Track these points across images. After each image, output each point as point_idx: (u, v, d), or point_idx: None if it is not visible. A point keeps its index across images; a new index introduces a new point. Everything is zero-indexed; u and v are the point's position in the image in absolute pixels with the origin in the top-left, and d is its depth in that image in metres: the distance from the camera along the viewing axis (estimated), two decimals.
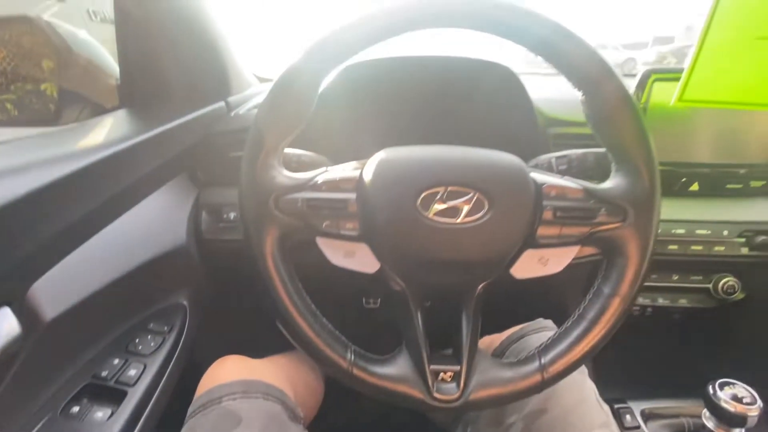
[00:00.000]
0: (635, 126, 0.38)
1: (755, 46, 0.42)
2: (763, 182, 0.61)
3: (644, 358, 0.74)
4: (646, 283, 0.62)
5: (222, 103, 0.68)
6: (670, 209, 0.60)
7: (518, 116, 0.64)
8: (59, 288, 0.43)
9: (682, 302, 0.63)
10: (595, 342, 0.38)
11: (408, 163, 0.38)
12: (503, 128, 0.65)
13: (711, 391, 0.50)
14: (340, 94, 0.64)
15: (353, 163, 0.41)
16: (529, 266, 0.39)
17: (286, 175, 0.38)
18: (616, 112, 0.38)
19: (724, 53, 0.43)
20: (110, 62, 0.64)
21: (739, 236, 0.59)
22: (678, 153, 0.61)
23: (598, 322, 0.38)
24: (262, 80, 0.90)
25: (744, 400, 0.49)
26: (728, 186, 0.61)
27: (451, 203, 0.36)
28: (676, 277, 0.62)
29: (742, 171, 0.61)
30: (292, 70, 0.37)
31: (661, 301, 0.63)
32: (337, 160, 0.47)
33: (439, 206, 0.36)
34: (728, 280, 0.61)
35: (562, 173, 0.50)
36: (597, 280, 0.40)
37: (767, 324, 0.61)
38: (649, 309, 0.64)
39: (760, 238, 0.58)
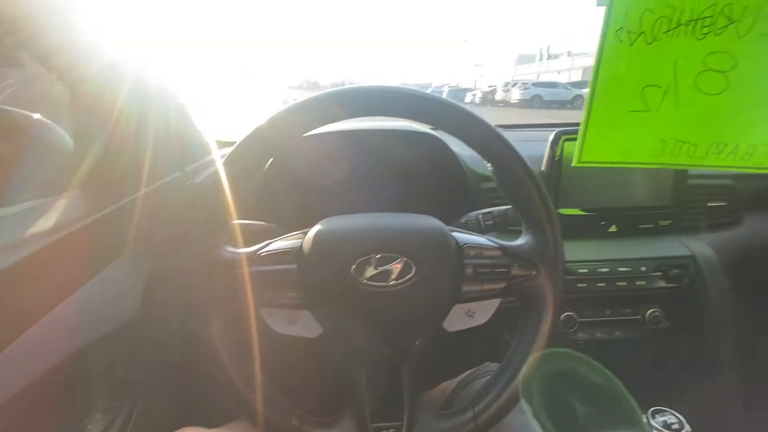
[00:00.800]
0: (535, 192, 0.44)
1: (630, 118, 0.50)
2: (670, 221, 0.69)
3: None
4: (584, 320, 0.68)
5: (179, 173, 0.71)
6: (594, 250, 0.67)
7: (448, 178, 0.71)
8: (3, 374, 0.43)
9: (618, 334, 0.68)
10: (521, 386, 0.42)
11: (342, 234, 0.42)
12: (436, 191, 0.71)
13: (644, 419, 0.54)
14: (289, 165, 0.69)
15: (295, 234, 0.45)
16: (459, 319, 0.44)
17: (230, 251, 0.41)
18: (518, 181, 0.44)
19: (608, 123, 0.51)
20: (67, 141, 0.66)
21: (656, 270, 0.66)
22: (598, 200, 0.69)
23: (522, 367, 0.42)
24: (222, 144, 0.94)
25: (673, 427, 0.53)
26: (641, 226, 0.69)
27: (382, 268, 0.40)
28: (609, 312, 0.68)
29: (652, 212, 0.69)
30: (235, 155, 0.41)
31: (598, 335, 0.68)
32: (288, 225, 0.51)
33: (371, 271, 0.40)
34: (654, 311, 0.67)
35: (489, 228, 0.56)
36: (518, 328, 0.44)
37: (691, 349, 0.67)
38: (591, 343, 0.68)
39: (674, 271, 0.66)
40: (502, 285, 0.43)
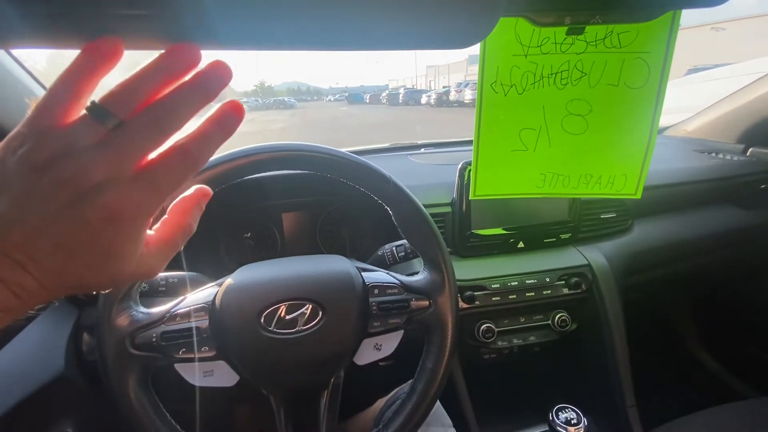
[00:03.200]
0: (429, 233, 0.49)
1: (513, 156, 0.57)
2: (570, 234, 0.78)
3: (508, 393, 0.86)
4: (501, 329, 0.75)
5: None
6: (505, 266, 0.74)
7: (369, 211, 0.75)
8: None
9: (532, 339, 0.76)
10: (426, 409, 0.47)
11: (250, 286, 0.45)
12: (358, 225, 0.74)
13: (551, 417, 0.62)
14: (214, 208, 0.71)
15: (210, 286, 0.47)
16: (368, 353, 0.48)
17: (141, 312, 0.43)
18: (414, 225, 0.50)
19: (495, 162, 0.58)
20: None
21: (559, 280, 0.74)
22: (507, 220, 0.76)
23: (427, 393, 0.47)
24: None
25: (572, 422, 0.60)
26: (545, 240, 0.77)
27: (290, 316, 0.44)
28: (523, 319, 0.76)
29: (554, 227, 0.77)
30: None
31: (515, 342, 0.75)
32: (212, 272, 0.53)
33: (279, 320, 0.43)
34: (561, 315, 0.76)
35: (402, 259, 0.61)
36: (423, 354, 0.49)
37: (594, 349, 0.76)
38: (506, 351, 0.76)
39: (574, 279, 0.74)
40: (403, 318, 0.48)
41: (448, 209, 0.75)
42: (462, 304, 0.70)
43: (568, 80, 0.53)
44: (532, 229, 0.76)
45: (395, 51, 0.39)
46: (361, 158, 0.48)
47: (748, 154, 0.98)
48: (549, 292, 0.74)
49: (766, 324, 1.05)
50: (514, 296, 0.72)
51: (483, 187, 0.60)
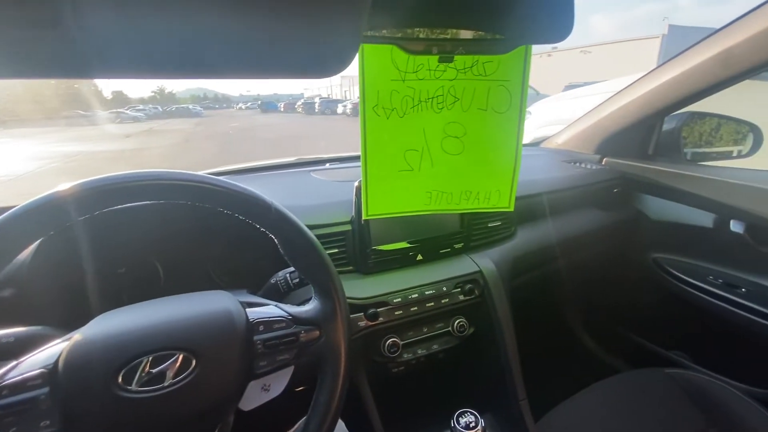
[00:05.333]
0: (317, 259, 0.48)
1: (400, 176, 0.59)
2: (462, 244, 0.83)
3: (416, 402, 0.88)
4: (406, 341, 0.76)
5: None
6: (405, 279, 0.76)
7: (257, 236, 0.71)
8: None
9: (435, 347, 0.79)
10: None
11: (105, 341, 0.39)
12: (258, 250, 0.70)
13: (452, 423, 0.64)
14: (64, 247, 0.61)
15: (53, 346, 0.40)
16: (254, 396, 0.45)
17: None
18: (299, 251, 0.48)
19: (383, 182, 0.59)
20: None
21: (455, 288, 0.78)
22: (405, 234, 0.78)
23: (321, 429, 0.45)
24: None
25: (471, 426, 0.63)
26: (441, 251, 0.81)
27: (156, 370, 0.38)
28: (426, 329, 0.78)
29: (448, 238, 0.82)
30: None
31: (420, 352, 0.78)
32: (76, 323, 0.45)
33: (143, 377, 0.38)
34: (460, 321, 0.80)
35: (297, 285, 0.58)
36: (316, 386, 0.47)
37: (489, 349, 0.82)
38: (413, 361, 0.78)
39: (468, 286, 0.79)
40: (293, 353, 0.45)
41: (348, 227, 0.74)
42: (366, 322, 0.70)
43: (443, 105, 0.57)
44: (428, 242, 0.80)
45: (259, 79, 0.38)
46: (238, 184, 0.45)
47: (603, 163, 1.16)
48: (447, 300, 0.77)
49: (628, 307, 1.24)
50: (416, 308, 0.75)
51: (375, 206, 0.61)
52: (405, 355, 0.77)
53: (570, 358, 1.37)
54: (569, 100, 2.79)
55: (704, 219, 0.98)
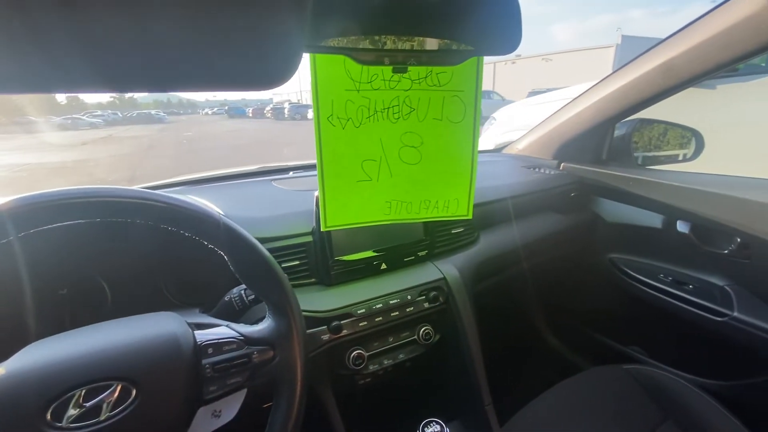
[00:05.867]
0: (270, 275, 0.46)
1: (358, 187, 0.59)
2: (426, 251, 0.84)
3: (384, 413, 0.87)
4: (372, 352, 0.75)
5: None
6: (369, 289, 0.75)
7: (213, 255, 0.68)
8: None
9: (401, 357, 0.78)
10: None
11: (32, 374, 0.35)
12: (217, 264, 0.66)
13: None
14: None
15: None
16: (204, 423, 0.42)
17: None
18: (251, 267, 0.46)
19: (341, 193, 0.58)
20: None
21: (420, 295, 0.78)
22: (368, 243, 0.78)
23: None
24: None
25: None
26: (405, 259, 0.81)
27: (91, 403, 0.36)
28: (391, 339, 0.78)
29: (412, 246, 0.82)
30: None
31: (386, 363, 0.77)
32: (4, 354, 0.40)
33: (76, 411, 0.35)
34: (425, 328, 0.80)
35: (252, 302, 0.56)
36: (272, 408, 0.45)
37: (455, 356, 0.82)
38: (380, 372, 0.77)
39: (432, 293, 0.79)
40: (245, 375, 0.43)
41: (309, 238, 0.73)
42: (329, 336, 0.69)
43: (399, 114, 0.56)
44: (393, 250, 0.79)
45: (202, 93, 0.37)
46: (182, 199, 0.43)
47: (561, 168, 1.20)
48: (412, 308, 0.77)
49: (589, 306, 1.29)
50: (381, 318, 0.74)
51: (333, 218, 0.60)
52: (371, 367, 0.76)
53: (536, 358, 1.40)
54: (533, 106, 2.88)
55: (654, 220, 1.04)
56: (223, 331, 0.45)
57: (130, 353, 0.38)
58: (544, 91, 3.83)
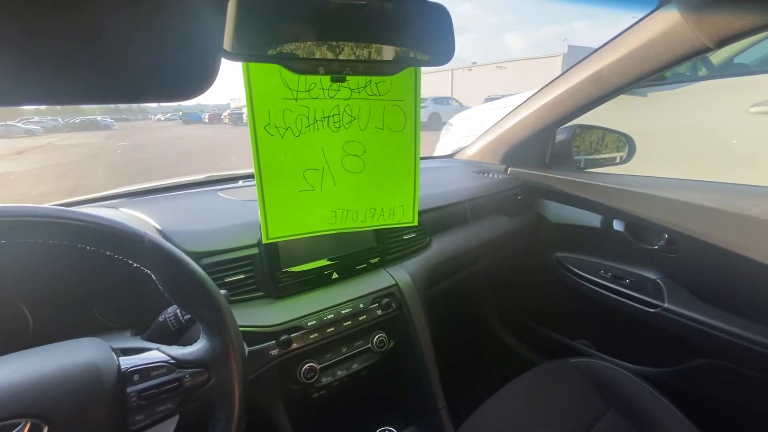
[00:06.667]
0: (202, 292, 0.44)
1: (301, 197, 0.58)
2: (378, 258, 0.84)
3: (341, 425, 0.86)
4: (324, 364, 0.74)
5: None
6: (320, 300, 0.74)
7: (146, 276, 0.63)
8: None
9: (356, 366, 0.78)
10: None
11: None
12: (134, 290, 0.62)
13: None
14: None
15: None
16: None
17: None
18: (181, 286, 0.43)
19: (283, 203, 0.57)
20: None
21: (372, 303, 0.78)
22: (318, 253, 0.76)
23: None
24: None
25: None
26: (357, 267, 0.81)
27: None
28: (345, 349, 0.77)
29: (364, 254, 0.82)
30: None
31: (340, 374, 0.76)
32: None
33: None
34: (379, 336, 0.80)
35: (189, 322, 0.53)
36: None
37: (409, 361, 0.83)
38: (335, 383, 0.75)
39: (385, 300, 0.79)
40: (176, 401, 0.41)
41: (255, 250, 0.70)
42: (278, 351, 0.67)
43: (340, 123, 0.56)
44: (344, 259, 0.79)
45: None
46: (101, 216, 0.40)
47: (508, 172, 1.25)
48: (365, 317, 0.77)
49: (540, 303, 1.34)
50: (333, 329, 0.73)
51: (275, 229, 0.59)
52: (324, 379, 0.74)
53: (493, 357, 1.44)
54: (489, 112, 2.98)
55: (593, 220, 1.10)
56: (153, 355, 0.42)
57: (40, 386, 0.35)
58: (500, 97, 3.99)
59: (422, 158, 1.43)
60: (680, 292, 0.97)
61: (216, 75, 0.32)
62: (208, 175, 1.10)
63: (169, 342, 0.48)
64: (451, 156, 1.45)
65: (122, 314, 0.67)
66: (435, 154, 2.11)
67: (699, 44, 0.72)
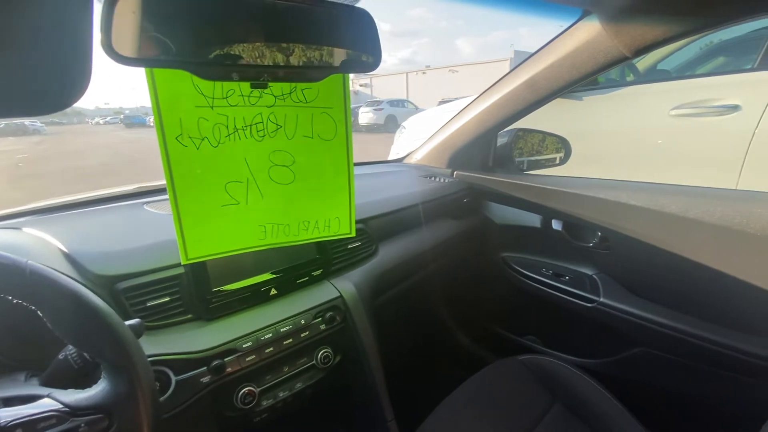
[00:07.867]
0: (98, 327, 0.39)
1: (224, 211, 0.53)
2: (321, 270, 0.80)
3: None
4: (264, 386, 0.69)
5: None
6: (257, 319, 0.69)
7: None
8: None
9: (299, 386, 0.74)
10: None
11: None
12: (36, 323, 0.54)
13: None
14: None
15: None
16: None
17: None
18: (72, 321, 0.38)
19: (202, 219, 0.52)
20: None
21: (315, 318, 0.74)
22: (253, 269, 0.72)
23: None
24: None
25: None
26: (298, 281, 0.77)
27: None
28: (287, 368, 0.73)
29: (305, 267, 0.78)
30: None
31: (282, 395, 0.71)
32: None
33: None
34: (324, 351, 0.76)
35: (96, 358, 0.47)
36: None
37: (357, 375, 0.80)
38: (279, 404, 0.71)
39: (329, 314, 0.76)
40: None
41: (181, 270, 0.65)
42: (210, 377, 0.61)
43: (265, 132, 0.53)
44: (283, 273, 0.75)
45: None
46: None
47: (454, 176, 1.27)
48: (307, 333, 0.73)
49: (489, 303, 1.37)
50: (271, 349, 0.68)
51: (195, 248, 0.54)
52: (264, 402, 0.70)
53: (449, 358, 1.46)
54: (442, 114, 3.02)
55: (534, 220, 1.14)
56: (43, 403, 0.37)
57: None
58: (453, 100, 4.07)
59: (369, 163, 1.42)
60: (614, 286, 1.03)
61: (85, 85, 0.28)
62: (137, 186, 1.01)
63: (74, 384, 0.42)
64: (398, 161, 1.45)
65: (22, 353, 0.59)
66: (390, 158, 2.11)
67: (618, 53, 0.76)
